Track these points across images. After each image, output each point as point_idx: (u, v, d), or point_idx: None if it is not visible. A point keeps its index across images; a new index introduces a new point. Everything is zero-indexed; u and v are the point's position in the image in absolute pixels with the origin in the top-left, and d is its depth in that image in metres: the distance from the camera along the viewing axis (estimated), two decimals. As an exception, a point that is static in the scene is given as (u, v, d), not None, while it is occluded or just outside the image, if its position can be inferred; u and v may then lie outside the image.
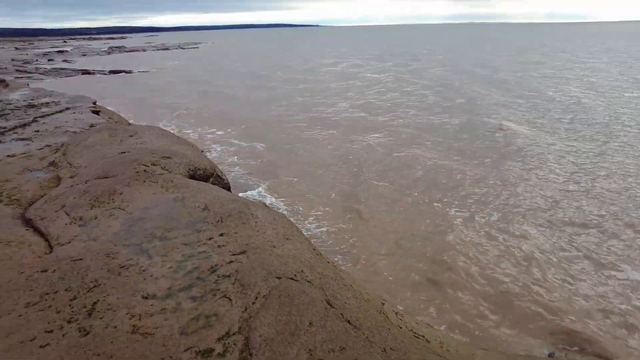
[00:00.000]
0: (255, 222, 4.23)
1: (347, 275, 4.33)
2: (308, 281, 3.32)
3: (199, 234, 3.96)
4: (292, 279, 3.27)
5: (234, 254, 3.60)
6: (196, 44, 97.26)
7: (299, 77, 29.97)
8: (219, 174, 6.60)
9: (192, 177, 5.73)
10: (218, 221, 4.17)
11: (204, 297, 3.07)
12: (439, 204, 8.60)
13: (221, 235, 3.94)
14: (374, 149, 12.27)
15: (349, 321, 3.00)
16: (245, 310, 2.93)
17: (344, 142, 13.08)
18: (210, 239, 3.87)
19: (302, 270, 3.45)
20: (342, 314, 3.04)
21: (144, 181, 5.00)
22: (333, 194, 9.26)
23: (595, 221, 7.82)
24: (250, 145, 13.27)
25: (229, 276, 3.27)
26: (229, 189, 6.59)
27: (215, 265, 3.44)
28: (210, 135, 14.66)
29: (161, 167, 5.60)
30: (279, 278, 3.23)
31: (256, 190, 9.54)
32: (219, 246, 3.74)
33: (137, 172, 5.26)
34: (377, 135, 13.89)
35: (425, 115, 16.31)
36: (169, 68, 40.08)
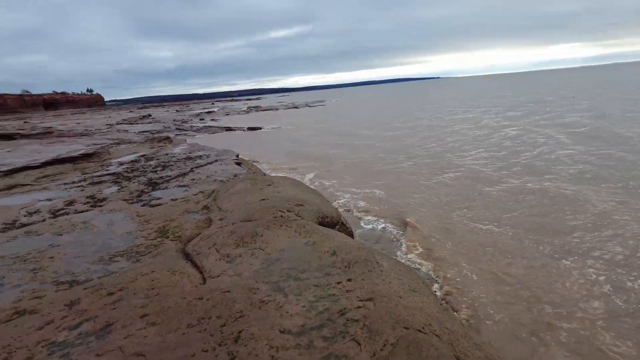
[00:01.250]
0: (381, 270, 4.34)
1: (476, 334, 4.09)
2: (436, 335, 3.26)
3: (328, 277, 4.21)
4: (420, 331, 3.25)
5: (361, 300, 3.73)
6: (321, 101, 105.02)
7: (403, 132, 29.94)
8: (344, 221, 6.94)
9: (320, 223, 6.16)
10: (346, 267, 4.39)
11: (334, 338, 3.23)
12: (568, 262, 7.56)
13: (349, 280, 4.13)
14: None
15: (482, 383, 2.84)
16: (374, 355, 3.00)
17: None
18: (338, 283, 4.08)
19: (429, 324, 3.41)
20: (474, 375, 2.90)
21: (281, 225, 5.56)
22: (465, 245, 8.84)
23: None
24: (371, 192, 13.63)
25: (357, 321, 3.40)
26: (352, 237, 6.85)
27: (344, 308, 3.60)
28: (327, 183, 15.49)
29: (295, 214, 6.16)
30: (406, 328, 3.24)
31: (381, 235, 9.64)
32: (347, 291, 3.92)
33: (275, 217, 5.88)
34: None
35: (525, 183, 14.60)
36: (294, 124, 43.97)
